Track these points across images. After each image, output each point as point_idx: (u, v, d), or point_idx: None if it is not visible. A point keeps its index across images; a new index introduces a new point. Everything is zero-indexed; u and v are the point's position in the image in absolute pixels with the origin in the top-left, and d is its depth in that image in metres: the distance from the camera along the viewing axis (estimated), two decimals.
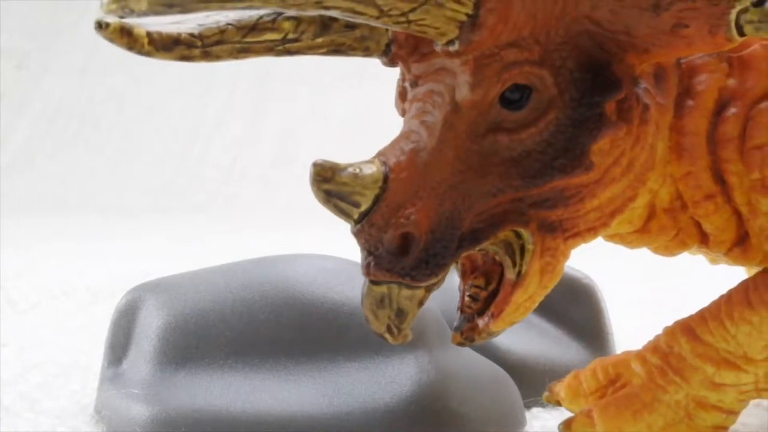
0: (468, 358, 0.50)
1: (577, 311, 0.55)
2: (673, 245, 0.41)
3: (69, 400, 0.54)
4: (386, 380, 0.45)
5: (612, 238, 0.41)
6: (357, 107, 2.10)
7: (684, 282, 0.95)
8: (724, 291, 0.42)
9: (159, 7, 0.29)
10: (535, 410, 0.52)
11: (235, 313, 0.47)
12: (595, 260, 0.56)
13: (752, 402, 0.53)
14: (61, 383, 0.59)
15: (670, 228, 0.40)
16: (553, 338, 0.54)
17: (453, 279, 0.55)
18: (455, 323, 0.38)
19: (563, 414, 0.51)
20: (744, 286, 0.40)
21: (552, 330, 0.55)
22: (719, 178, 0.38)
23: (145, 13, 0.30)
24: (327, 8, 0.31)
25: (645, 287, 0.91)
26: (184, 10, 0.29)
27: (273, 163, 2.07)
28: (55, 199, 2.04)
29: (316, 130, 2.10)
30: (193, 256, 1.20)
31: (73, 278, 1.01)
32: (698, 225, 0.40)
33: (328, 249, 0.59)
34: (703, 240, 0.40)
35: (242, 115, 2.21)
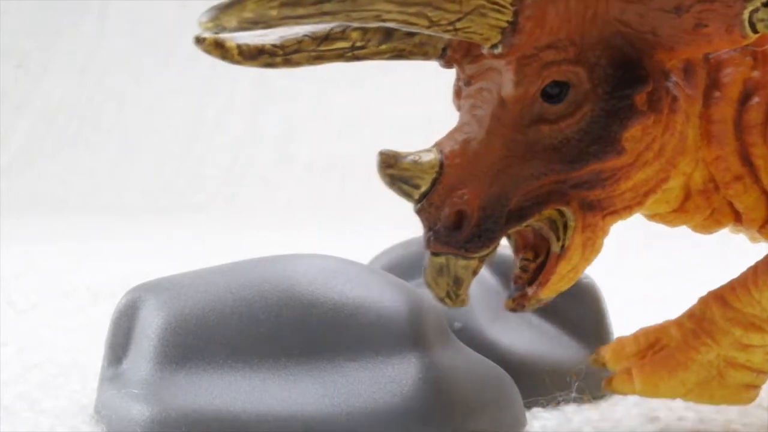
0: (468, 358, 0.50)
1: (577, 311, 0.55)
2: (709, 223, 0.45)
3: (69, 400, 0.54)
4: (386, 380, 0.45)
5: (653, 217, 0.45)
6: (357, 107, 2.10)
7: (684, 282, 0.95)
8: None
9: (246, 24, 0.34)
10: (535, 410, 0.52)
11: (235, 313, 0.47)
12: (595, 260, 0.56)
13: (753, 403, 0.53)
14: (61, 383, 0.58)
15: (705, 208, 0.44)
16: (554, 338, 0.54)
17: None
18: (509, 292, 0.42)
19: (563, 414, 0.52)
20: None
21: (552, 330, 0.55)
22: (747, 161, 0.42)
23: (235, 29, 0.34)
24: (385, 21, 0.35)
25: (645, 287, 0.91)
26: (267, 26, 0.34)
27: (273, 163, 2.07)
28: (55, 199, 2.04)
29: (316, 130, 2.10)
30: (193, 256, 1.20)
31: (73, 278, 1.01)
32: (731, 205, 0.44)
33: (328, 249, 0.59)
34: (736, 218, 0.44)
35: (242, 115, 2.21)
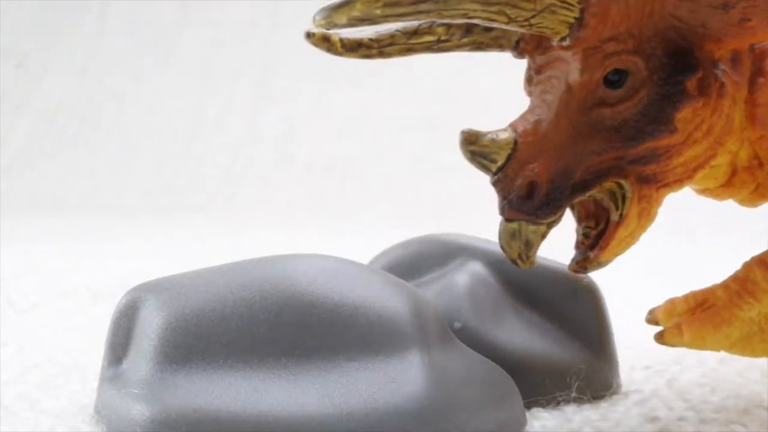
0: (468, 358, 0.50)
1: (578, 311, 0.55)
2: (754, 197, 0.50)
3: (69, 400, 0.54)
4: (386, 380, 0.45)
5: (703, 192, 0.51)
6: (357, 107, 2.10)
7: (684, 283, 0.95)
8: None
9: (354, 21, 0.39)
10: (535, 410, 0.52)
11: (235, 313, 0.47)
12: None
13: (753, 403, 0.53)
14: (61, 383, 0.58)
15: (750, 182, 0.49)
16: (554, 338, 0.54)
17: (454, 281, 0.55)
18: (572, 258, 0.47)
19: (563, 414, 0.52)
20: None
21: (553, 330, 0.55)
22: None
23: (344, 26, 0.40)
24: (471, 18, 0.41)
25: (645, 287, 0.91)
26: (372, 23, 0.40)
27: (273, 163, 2.07)
28: (55, 199, 2.04)
29: (316, 130, 2.10)
30: (193, 256, 1.20)
31: (73, 278, 1.01)
32: None
33: (328, 249, 0.59)
34: None
35: (242, 115, 2.21)
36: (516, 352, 0.53)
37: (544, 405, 0.53)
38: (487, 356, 0.51)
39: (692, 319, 0.51)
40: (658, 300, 0.63)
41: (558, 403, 0.53)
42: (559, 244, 0.54)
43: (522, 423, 0.49)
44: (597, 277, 0.57)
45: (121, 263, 1.14)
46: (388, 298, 0.48)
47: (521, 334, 0.54)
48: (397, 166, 1.96)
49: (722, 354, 0.64)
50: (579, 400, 0.53)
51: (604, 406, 0.53)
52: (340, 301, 0.47)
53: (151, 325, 0.46)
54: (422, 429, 0.44)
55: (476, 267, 0.56)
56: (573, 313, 0.55)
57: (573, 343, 0.55)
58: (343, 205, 1.87)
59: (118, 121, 2.28)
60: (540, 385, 0.53)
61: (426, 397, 0.44)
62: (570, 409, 0.52)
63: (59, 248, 1.33)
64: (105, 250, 1.33)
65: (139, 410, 0.43)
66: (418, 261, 0.58)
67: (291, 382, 0.45)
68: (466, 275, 0.55)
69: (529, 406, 0.52)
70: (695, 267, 1.08)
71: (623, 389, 0.56)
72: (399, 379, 0.45)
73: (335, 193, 1.93)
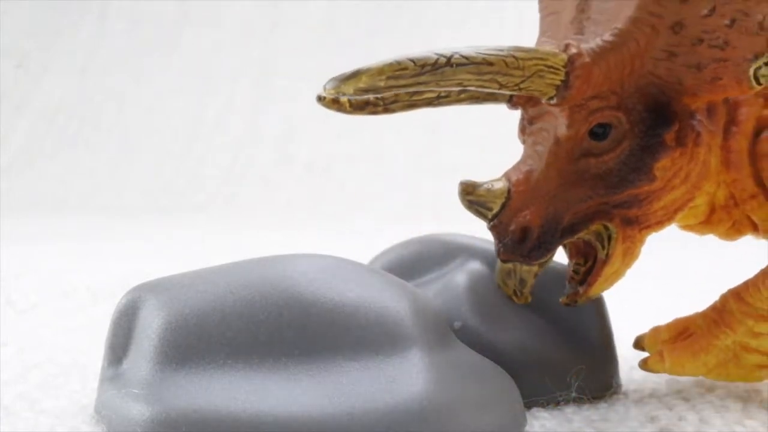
0: (468, 357, 0.50)
1: (577, 311, 0.55)
2: (731, 232, 0.54)
3: (69, 400, 0.54)
4: (386, 380, 0.45)
5: (685, 227, 0.55)
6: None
7: (682, 283, 0.95)
8: (720, 292, 0.54)
9: (360, 91, 0.44)
10: (535, 410, 0.52)
11: (235, 313, 0.47)
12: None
13: (753, 403, 0.53)
14: (61, 383, 0.58)
15: (727, 220, 0.54)
16: (554, 338, 0.54)
17: (454, 280, 0.55)
18: (564, 291, 0.51)
19: (563, 414, 0.52)
20: None
21: (552, 330, 0.55)
22: (760, 183, 0.51)
23: (351, 95, 0.44)
24: (465, 86, 0.45)
25: (644, 288, 0.91)
26: (375, 92, 0.44)
27: (273, 163, 2.07)
28: (55, 199, 2.04)
29: (316, 130, 2.10)
30: (193, 256, 1.20)
31: (73, 278, 1.01)
32: (749, 218, 0.53)
33: (328, 249, 0.59)
34: (754, 229, 0.54)
35: (242, 115, 2.21)
36: (516, 351, 0.53)
37: (544, 405, 0.53)
38: (486, 356, 0.51)
39: (673, 347, 0.54)
40: (657, 301, 0.63)
41: (558, 403, 0.53)
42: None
43: (522, 423, 0.49)
44: None
45: (121, 263, 1.14)
46: (389, 298, 0.49)
47: (521, 334, 0.54)
48: (397, 166, 1.97)
49: None
50: (579, 400, 0.53)
51: (604, 406, 0.53)
52: (340, 301, 0.47)
53: (151, 325, 0.46)
54: (422, 429, 0.44)
55: (476, 266, 0.56)
56: (572, 313, 0.55)
57: (573, 343, 0.55)
58: (343, 205, 1.87)
59: (118, 121, 2.28)
60: (540, 385, 0.53)
61: (426, 397, 0.44)
62: (570, 409, 0.52)
63: (59, 248, 1.33)
64: (105, 250, 1.33)
65: (139, 410, 0.43)
66: (417, 261, 0.58)
67: (291, 382, 0.45)
68: (465, 275, 0.55)
69: (528, 406, 0.52)
70: (693, 269, 1.08)
71: (623, 389, 0.56)
72: (399, 379, 0.45)
73: (335, 193, 1.93)
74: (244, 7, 2.41)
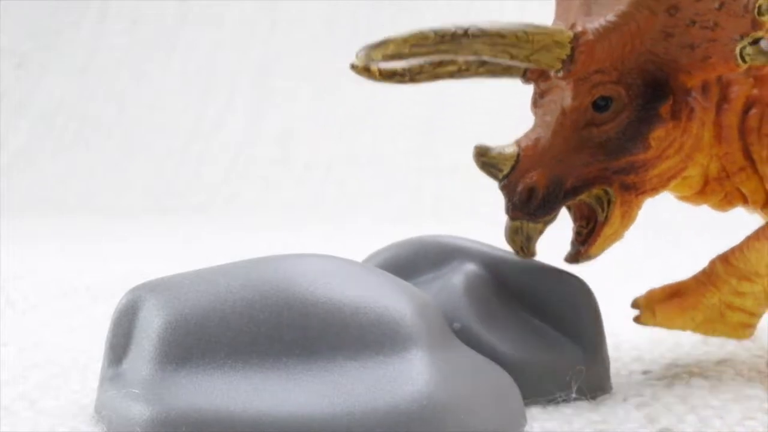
0: (468, 358, 0.50)
1: (572, 313, 0.55)
2: (723, 203, 0.59)
3: (69, 400, 0.54)
4: (386, 380, 0.45)
5: (682, 198, 0.60)
6: (356, 107, 2.10)
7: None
8: None
9: (387, 57, 0.49)
10: (535, 411, 0.52)
11: (235, 313, 0.47)
12: (595, 264, 0.57)
13: (754, 405, 0.53)
14: (61, 383, 0.58)
15: (719, 191, 0.58)
16: (550, 340, 0.54)
17: (451, 282, 0.55)
18: (568, 251, 0.56)
19: (563, 415, 0.52)
20: (759, 227, 0.57)
21: (548, 331, 0.55)
22: (748, 157, 0.56)
23: (379, 61, 0.49)
24: (480, 55, 0.51)
25: (644, 288, 0.90)
26: (401, 58, 0.49)
27: (273, 163, 2.07)
28: (55, 199, 2.04)
29: (316, 130, 2.10)
30: (193, 256, 1.20)
31: (73, 278, 1.01)
32: (739, 189, 0.57)
33: (328, 249, 0.59)
34: (744, 200, 0.58)
35: (242, 115, 2.21)
36: (513, 353, 0.53)
37: (544, 405, 0.53)
38: (486, 357, 0.51)
39: (663, 304, 0.60)
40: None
41: (558, 404, 0.53)
42: (554, 248, 0.54)
43: (522, 423, 0.49)
44: (597, 277, 0.57)
45: (121, 263, 1.14)
46: (389, 298, 0.48)
47: (518, 336, 0.54)
48: (397, 166, 1.96)
49: (721, 355, 0.64)
50: (578, 401, 0.53)
51: (604, 407, 0.53)
52: (340, 301, 0.47)
53: (151, 325, 0.46)
54: (422, 429, 0.44)
55: (472, 268, 0.56)
56: (567, 315, 0.55)
57: (568, 345, 0.54)
58: (342, 205, 1.87)
59: (118, 121, 2.28)
60: (537, 386, 0.53)
61: (426, 397, 0.44)
62: (570, 411, 0.52)
63: (59, 248, 1.33)
64: (105, 250, 1.33)
65: (139, 410, 0.43)
66: (413, 262, 0.58)
67: (291, 381, 0.45)
68: (462, 276, 0.55)
69: (528, 406, 0.52)
70: (690, 270, 1.08)
71: (623, 393, 0.56)
72: (399, 379, 0.45)
73: (335, 193, 1.93)
74: (244, 7, 2.41)
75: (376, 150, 2.02)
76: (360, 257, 0.59)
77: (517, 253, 0.56)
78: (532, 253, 0.56)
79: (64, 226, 1.69)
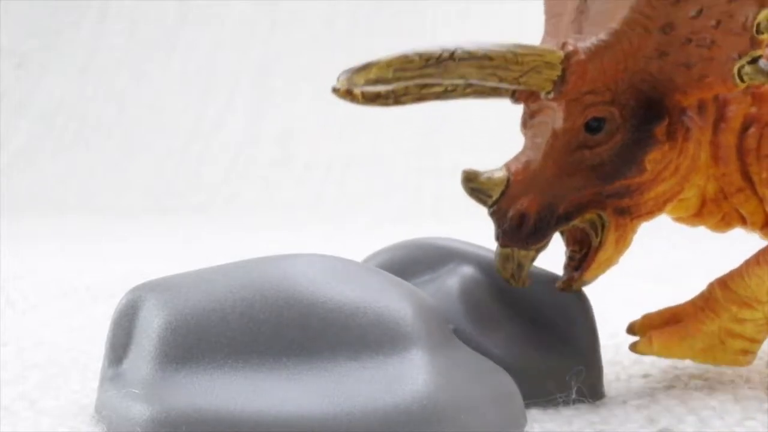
0: (468, 358, 0.50)
1: (566, 317, 0.55)
2: (721, 225, 0.57)
3: (69, 400, 0.54)
4: (386, 380, 0.45)
5: (678, 220, 0.58)
6: (357, 107, 2.09)
7: (680, 284, 0.95)
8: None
9: (370, 82, 0.47)
10: (535, 412, 0.52)
11: (235, 313, 0.47)
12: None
13: (753, 405, 0.53)
14: (61, 383, 0.59)
15: (717, 213, 0.56)
16: (544, 343, 0.54)
17: (446, 284, 0.55)
18: (560, 277, 0.54)
19: (562, 416, 0.52)
20: (759, 251, 0.55)
21: (543, 335, 0.55)
22: (747, 177, 0.54)
23: (361, 86, 0.47)
24: (467, 79, 0.48)
25: (643, 288, 0.91)
26: (384, 83, 0.47)
27: (273, 163, 2.07)
28: (55, 199, 2.04)
29: (316, 130, 2.10)
30: (193, 256, 1.20)
31: (73, 278, 1.01)
32: (737, 211, 0.56)
33: (328, 249, 0.59)
34: (743, 221, 0.56)
35: (242, 115, 2.21)
36: (508, 356, 0.53)
37: (543, 406, 0.53)
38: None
39: (661, 332, 0.56)
40: (656, 300, 0.63)
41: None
42: (550, 250, 0.54)
43: (522, 423, 0.49)
44: (596, 282, 0.57)
45: (121, 263, 1.14)
46: (389, 298, 0.48)
47: (512, 339, 0.53)
48: (397, 166, 1.97)
49: None
50: (578, 403, 0.53)
51: (603, 409, 0.53)
52: (340, 301, 0.47)
53: (151, 325, 0.46)
54: (422, 429, 0.44)
55: (468, 271, 0.55)
56: (562, 319, 0.55)
57: (562, 348, 0.54)
58: (342, 205, 1.87)
59: (118, 121, 2.28)
60: (538, 387, 0.52)
61: (426, 397, 0.44)
62: (569, 412, 0.52)
63: (59, 248, 1.33)
64: (105, 250, 1.33)
65: (139, 410, 0.43)
66: (409, 263, 0.58)
67: (291, 381, 0.45)
68: (458, 279, 0.55)
69: (528, 407, 0.52)
70: (689, 270, 1.08)
71: (623, 396, 0.56)
72: (399, 379, 0.45)
73: (335, 193, 1.93)
74: (244, 7, 2.41)
75: (376, 150, 2.02)
76: (360, 257, 0.59)
77: (507, 281, 0.53)
78: (524, 282, 0.53)
79: (64, 226, 1.69)
